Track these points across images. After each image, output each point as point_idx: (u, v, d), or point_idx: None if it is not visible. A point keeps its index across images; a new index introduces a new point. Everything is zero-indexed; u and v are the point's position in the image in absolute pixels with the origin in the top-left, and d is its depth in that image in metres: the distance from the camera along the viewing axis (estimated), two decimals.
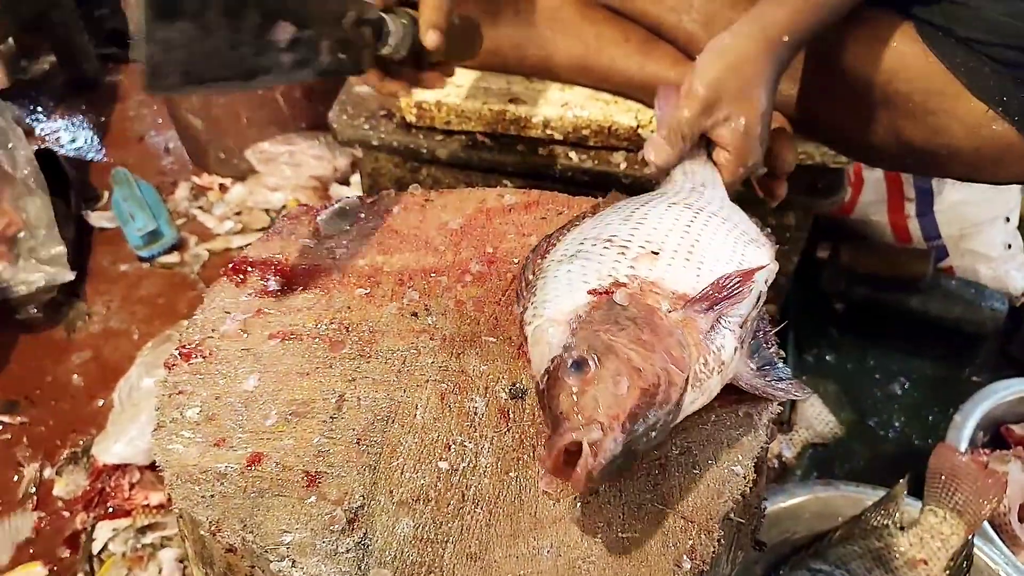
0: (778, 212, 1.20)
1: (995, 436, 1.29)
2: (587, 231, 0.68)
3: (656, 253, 0.63)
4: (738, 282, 0.59)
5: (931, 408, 1.45)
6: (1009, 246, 1.54)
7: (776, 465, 1.32)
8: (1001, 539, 1.09)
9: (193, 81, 0.61)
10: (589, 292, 0.60)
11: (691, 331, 0.57)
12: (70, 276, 1.54)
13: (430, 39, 0.76)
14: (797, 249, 1.28)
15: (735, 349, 0.60)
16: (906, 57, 0.85)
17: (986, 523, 1.07)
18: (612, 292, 0.59)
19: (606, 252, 0.63)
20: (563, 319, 0.58)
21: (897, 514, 1.04)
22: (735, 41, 0.75)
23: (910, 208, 1.54)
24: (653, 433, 0.52)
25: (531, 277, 0.66)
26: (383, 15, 0.75)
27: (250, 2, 0.63)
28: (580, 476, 0.48)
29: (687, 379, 0.55)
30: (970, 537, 1.00)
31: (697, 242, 0.64)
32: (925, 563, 1.01)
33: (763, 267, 0.64)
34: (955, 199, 1.52)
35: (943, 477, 1.02)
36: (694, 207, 0.69)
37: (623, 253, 0.63)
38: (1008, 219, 1.53)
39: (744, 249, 0.66)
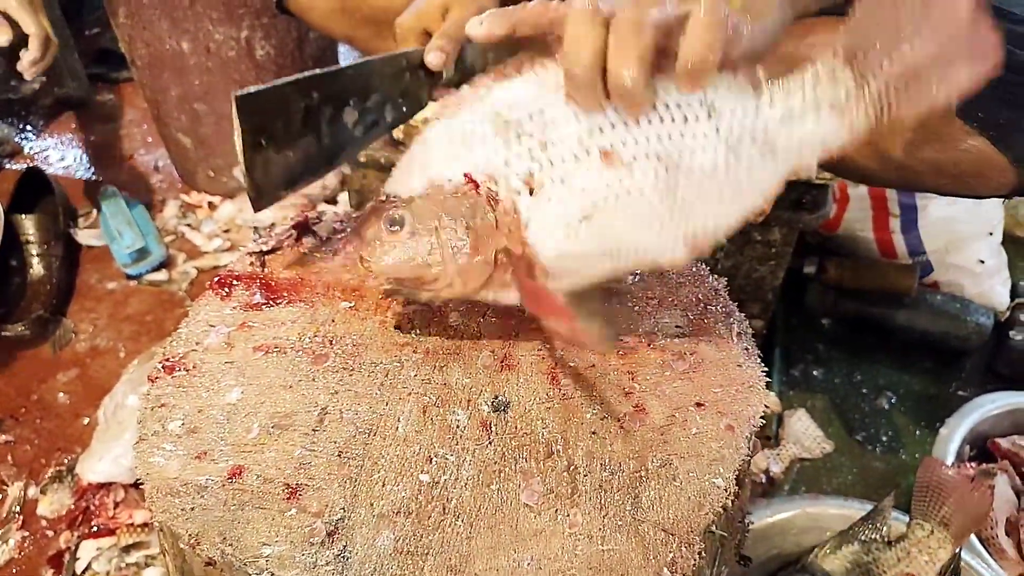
0: (763, 228, 1.21)
1: (982, 450, 1.29)
2: None
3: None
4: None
5: (918, 422, 1.44)
6: (982, 261, 1.54)
7: (764, 480, 1.32)
8: (988, 552, 1.09)
9: (289, 186, 0.70)
10: None
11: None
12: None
13: (432, 58, 0.75)
14: (783, 265, 1.28)
15: None
16: None
17: (973, 536, 1.07)
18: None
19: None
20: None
21: (885, 528, 1.03)
22: None
23: (895, 224, 1.55)
24: None
25: None
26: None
27: (321, 103, 0.68)
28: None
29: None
30: (958, 550, 1.00)
31: None
32: None
33: None
34: (939, 215, 1.53)
35: (930, 491, 1.02)
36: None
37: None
38: (991, 234, 1.54)
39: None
